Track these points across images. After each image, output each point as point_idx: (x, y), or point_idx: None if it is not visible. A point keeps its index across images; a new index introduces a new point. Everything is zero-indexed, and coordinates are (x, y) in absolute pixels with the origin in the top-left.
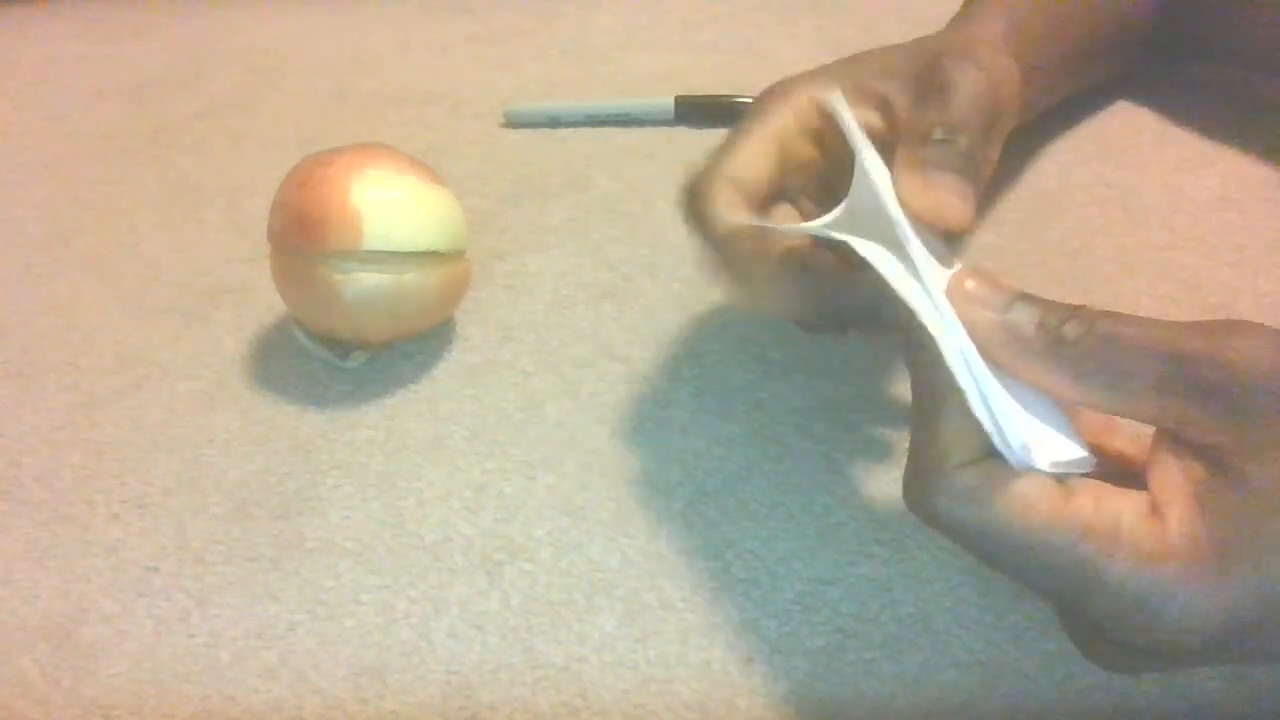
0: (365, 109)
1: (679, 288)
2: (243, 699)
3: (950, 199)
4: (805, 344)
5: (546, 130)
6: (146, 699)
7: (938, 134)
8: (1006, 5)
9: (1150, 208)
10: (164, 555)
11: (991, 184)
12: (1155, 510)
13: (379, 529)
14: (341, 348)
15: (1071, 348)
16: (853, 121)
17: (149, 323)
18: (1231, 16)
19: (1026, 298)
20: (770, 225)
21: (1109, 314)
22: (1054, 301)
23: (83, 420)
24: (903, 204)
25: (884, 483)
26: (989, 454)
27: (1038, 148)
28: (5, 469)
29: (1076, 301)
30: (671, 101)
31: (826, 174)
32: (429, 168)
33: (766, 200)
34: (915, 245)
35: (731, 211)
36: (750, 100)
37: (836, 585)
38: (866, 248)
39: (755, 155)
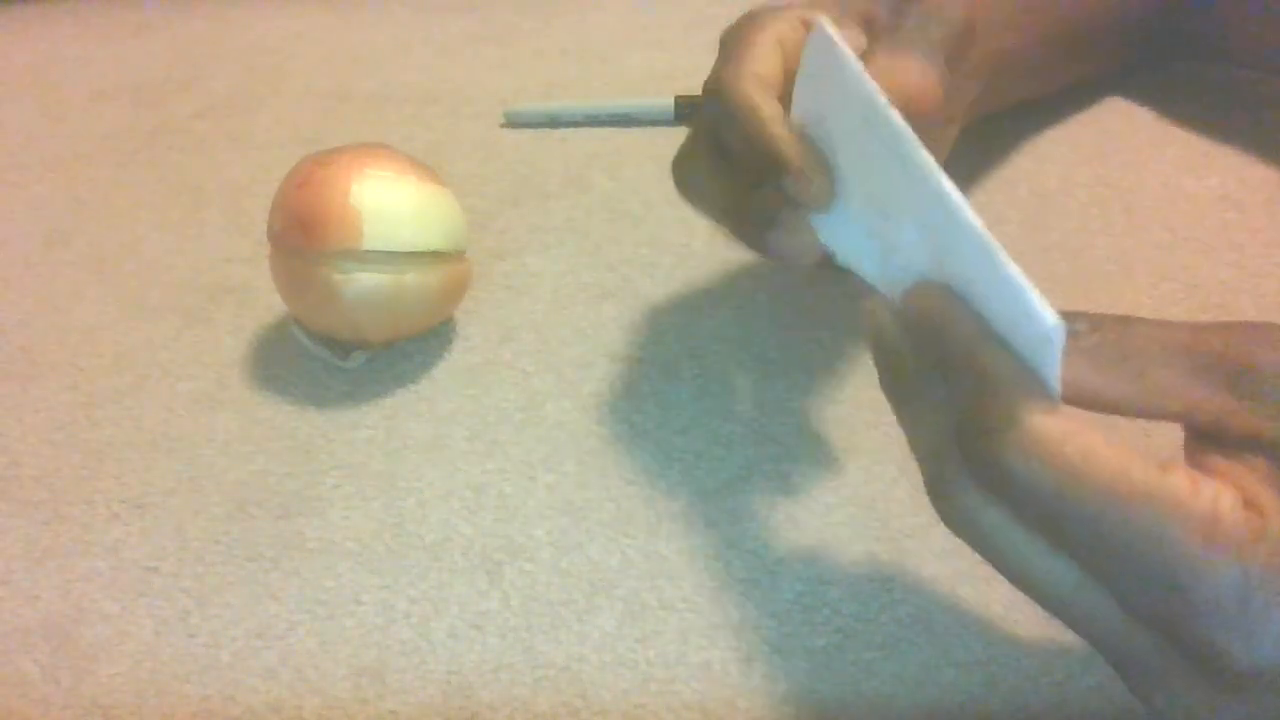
0: (365, 109)
1: (679, 288)
2: (243, 699)
3: (914, 73)
4: (805, 344)
5: (546, 130)
6: (146, 699)
7: (910, 22)
8: None
9: (1150, 208)
10: (164, 555)
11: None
12: (1251, 503)
13: (379, 529)
14: (341, 348)
15: (1086, 343)
16: (839, 36)
17: (149, 323)
18: (1231, 15)
19: None
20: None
21: (1116, 316)
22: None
23: (83, 420)
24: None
25: (884, 483)
26: (1058, 403)
27: (1038, 148)
28: (5, 469)
29: (1076, 302)
30: (671, 101)
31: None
32: (429, 168)
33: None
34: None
35: (769, 104)
36: None
37: (836, 585)
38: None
39: (768, 56)
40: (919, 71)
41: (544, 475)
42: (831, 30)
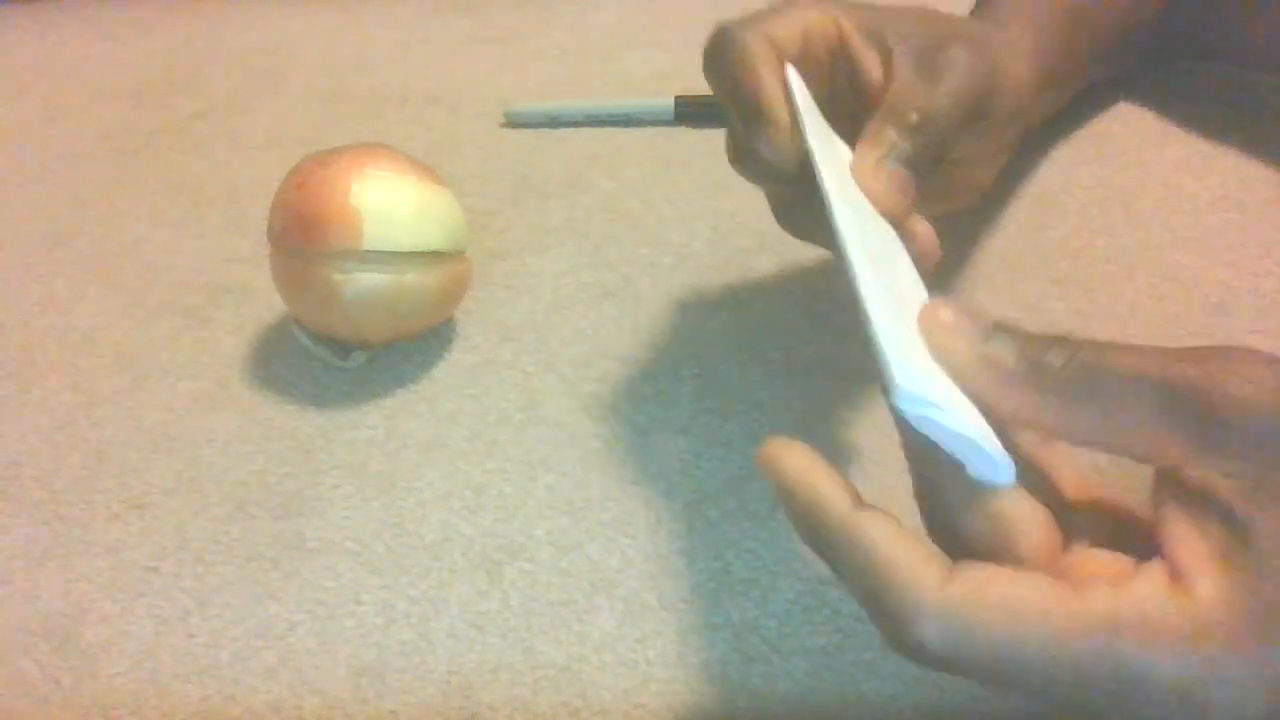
0: (365, 109)
1: (679, 288)
2: (243, 699)
3: (889, 189)
4: (805, 344)
5: (546, 130)
6: (146, 699)
7: (913, 118)
8: (1030, 11)
9: (1150, 208)
10: (164, 555)
11: (993, 180)
12: (1176, 579)
13: (379, 529)
14: (341, 348)
15: (1056, 376)
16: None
17: (149, 323)
18: (1232, 16)
19: (1004, 328)
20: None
21: (1094, 342)
22: (1033, 332)
23: (83, 420)
24: (853, 174)
25: (884, 483)
26: (958, 560)
27: (1038, 148)
28: (5, 469)
29: (1076, 302)
30: (671, 101)
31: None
32: (429, 168)
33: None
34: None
35: (764, 60)
36: None
37: (836, 585)
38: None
39: (788, 25)
40: (896, 190)
41: (544, 475)
42: (794, 81)
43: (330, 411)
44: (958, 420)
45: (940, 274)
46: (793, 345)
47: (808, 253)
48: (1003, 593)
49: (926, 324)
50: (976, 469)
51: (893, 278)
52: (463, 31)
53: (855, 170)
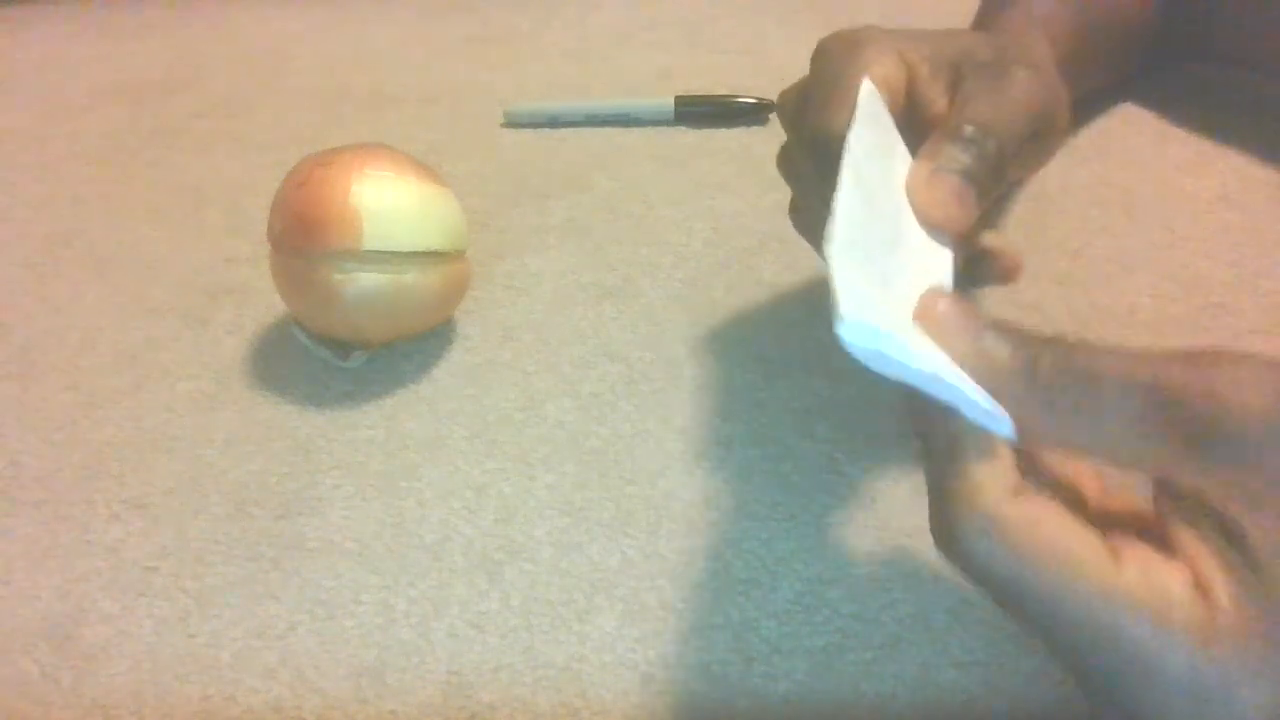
0: (365, 109)
1: (679, 288)
2: (243, 699)
3: (945, 199)
4: (805, 344)
5: (546, 130)
6: (146, 699)
7: (968, 131)
8: (1042, 19)
9: (1150, 208)
10: (164, 555)
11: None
12: (1200, 584)
13: (379, 529)
14: (341, 348)
15: (1047, 380)
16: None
17: (149, 323)
18: (1232, 17)
19: (999, 328)
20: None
21: (1087, 345)
22: (1028, 332)
23: (83, 420)
24: (906, 189)
25: (884, 483)
26: (1023, 489)
27: None
28: (5, 469)
29: (1076, 302)
30: (671, 101)
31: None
32: (429, 168)
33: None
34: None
35: (856, 73)
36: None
37: (836, 585)
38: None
39: (889, 71)
40: (953, 201)
41: (544, 475)
42: (869, 96)
43: (330, 411)
44: (917, 356)
45: None
46: (793, 345)
47: (808, 253)
48: (1057, 533)
49: (922, 314)
50: (969, 414)
51: (891, 237)
52: (463, 31)
53: (908, 182)
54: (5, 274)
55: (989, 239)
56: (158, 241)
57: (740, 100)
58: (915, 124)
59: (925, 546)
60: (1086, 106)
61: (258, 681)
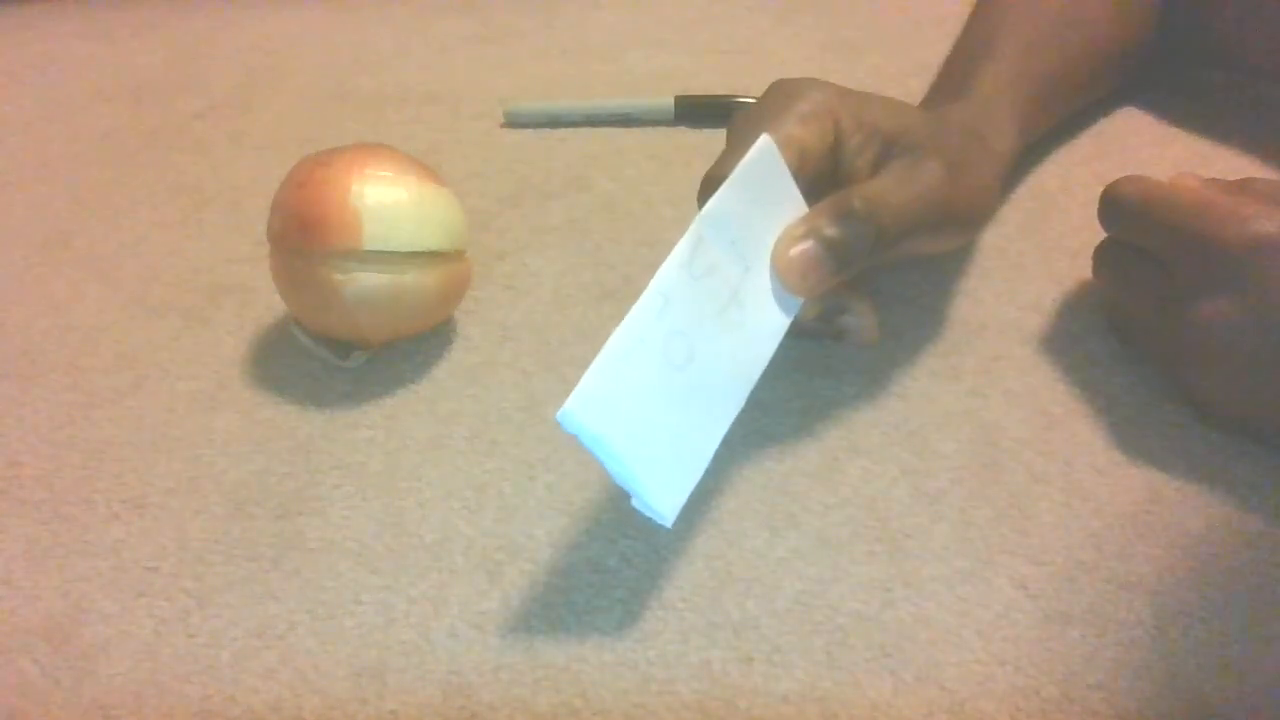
0: (365, 109)
1: None
2: (243, 699)
3: (799, 267)
4: (805, 344)
5: (546, 130)
6: (146, 699)
7: (856, 205)
8: (1022, 43)
9: None
10: (164, 555)
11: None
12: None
13: (379, 529)
14: (341, 348)
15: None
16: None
17: (149, 323)
18: (1233, 20)
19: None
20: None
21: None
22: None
23: (83, 420)
24: (774, 246)
25: (884, 483)
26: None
27: (1038, 148)
28: (5, 469)
29: (1077, 301)
30: (671, 101)
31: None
32: (429, 168)
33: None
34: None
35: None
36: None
37: (836, 585)
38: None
39: (801, 133)
40: (804, 273)
41: (544, 475)
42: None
43: (330, 411)
44: (618, 460)
45: (941, 273)
46: (792, 345)
47: None
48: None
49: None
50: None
51: (687, 348)
52: (463, 31)
53: (778, 239)
54: (5, 274)
55: (856, 303)
56: (158, 241)
57: (740, 100)
58: (838, 185)
59: (925, 546)
60: (1084, 113)
61: (258, 681)
